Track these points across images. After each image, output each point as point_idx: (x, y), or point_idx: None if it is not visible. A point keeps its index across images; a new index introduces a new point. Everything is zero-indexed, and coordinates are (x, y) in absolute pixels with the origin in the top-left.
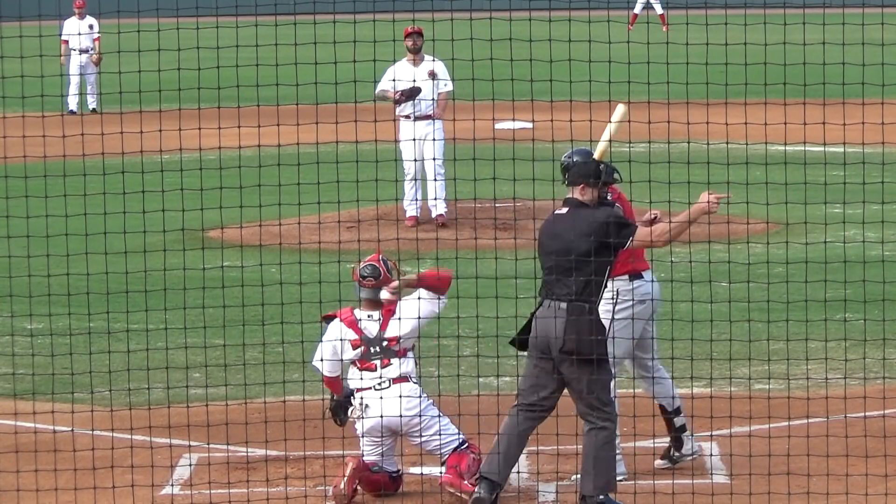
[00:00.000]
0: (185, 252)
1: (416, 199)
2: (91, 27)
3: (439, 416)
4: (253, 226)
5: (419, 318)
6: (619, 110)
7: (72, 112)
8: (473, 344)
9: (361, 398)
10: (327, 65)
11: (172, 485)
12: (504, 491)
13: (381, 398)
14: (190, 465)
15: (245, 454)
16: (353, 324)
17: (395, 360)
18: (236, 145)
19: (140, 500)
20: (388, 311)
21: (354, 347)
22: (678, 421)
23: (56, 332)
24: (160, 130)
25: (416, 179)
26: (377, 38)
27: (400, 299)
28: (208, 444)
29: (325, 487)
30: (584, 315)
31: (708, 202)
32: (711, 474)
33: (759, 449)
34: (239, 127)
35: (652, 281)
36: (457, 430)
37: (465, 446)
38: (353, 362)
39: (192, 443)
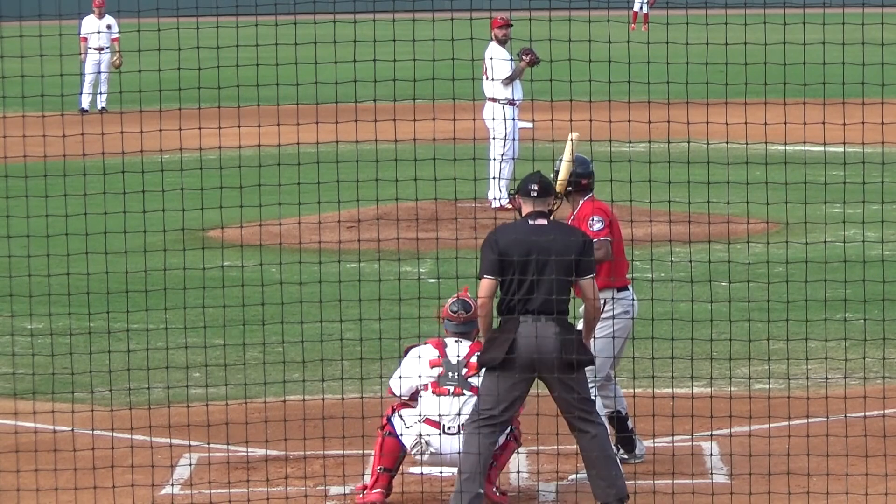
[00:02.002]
0: (185, 252)
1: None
2: (109, 27)
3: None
4: (253, 226)
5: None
6: (572, 138)
7: (83, 110)
8: None
9: (429, 437)
10: (327, 65)
11: (172, 485)
12: (504, 491)
13: (442, 437)
14: (190, 465)
15: (245, 454)
16: (440, 345)
17: (467, 395)
18: (236, 145)
19: (140, 500)
20: (477, 344)
21: (432, 366)
22: (630, 423)
23: (56, 332)
24: (160, 130)
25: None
26: (377, 38)
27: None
28: (208, 443)
29: (325, 487)
30: (572, 330)
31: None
32: (711, 474)
33: (759, 449)
34: (239, 127)
35: (634, 299)
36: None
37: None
38: (425, 386)
39: (192, 443)
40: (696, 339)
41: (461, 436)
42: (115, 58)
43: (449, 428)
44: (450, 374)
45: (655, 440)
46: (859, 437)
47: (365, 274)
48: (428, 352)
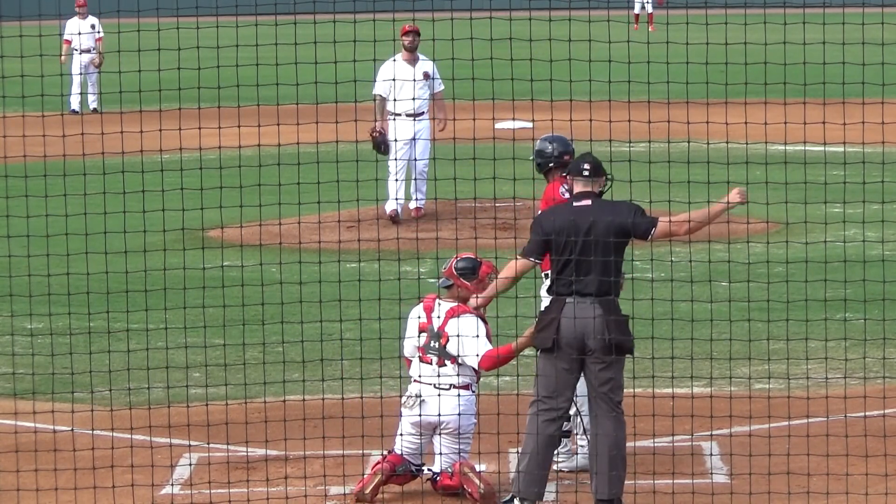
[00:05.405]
0: (185, 252)
1: (399, 199)
2: (93, 27)
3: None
4: (253, 226)
5: (458, 335)
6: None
7: (74, 111)
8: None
9: (420, 392)
10: (327, 65)
11: (172, 485)
12: (504, 490)
13: (440, 396)
14: (190, 465)
15: (245, 454)
16: (429, 308)
17: (450, 366)
18: (236, 145)
19: (140, 500)
20: (452, 311)
21: (420, 331)
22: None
23: (56, 332)
24: (160, 130)
25: (399, 180)
26: (377, 37)
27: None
28: (208, 443)
29: (324, 487)
30: (618, 312)
31: (727, 202)
32: (711, 474)
33: (759, 449)
34: (239, 127)
35: None
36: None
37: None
38: (417, 348)
39: (192, 443)
40: (696, 339)
41: (459, 395)
42: (95, 57)
43: (441, 384)
44: (432, 342)
45: (655, 440)
46: (859, 437)
47: (365, 274)
48: (419, 311)
